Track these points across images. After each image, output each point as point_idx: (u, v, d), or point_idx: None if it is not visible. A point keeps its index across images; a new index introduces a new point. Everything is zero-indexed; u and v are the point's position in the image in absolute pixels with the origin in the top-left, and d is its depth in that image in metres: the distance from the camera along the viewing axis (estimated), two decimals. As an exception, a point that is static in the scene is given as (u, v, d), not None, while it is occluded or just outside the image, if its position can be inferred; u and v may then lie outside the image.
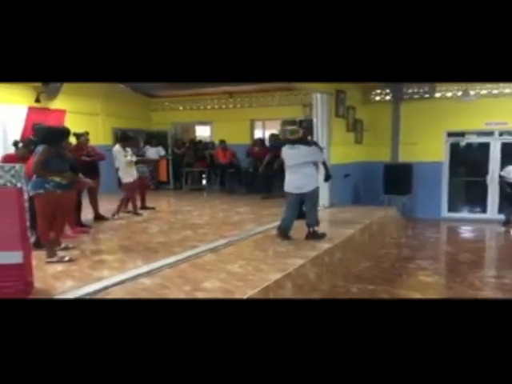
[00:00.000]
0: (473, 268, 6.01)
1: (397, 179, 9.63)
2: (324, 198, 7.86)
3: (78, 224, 6.09)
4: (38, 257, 4.23)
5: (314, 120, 8.34)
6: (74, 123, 8.15)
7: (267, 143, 10.41)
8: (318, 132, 8.23)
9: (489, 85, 9.15)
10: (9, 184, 3.38)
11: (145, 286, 3.80)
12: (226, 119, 11.67)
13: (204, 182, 12.16)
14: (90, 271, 4.20)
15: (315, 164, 5.61)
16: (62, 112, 9.38)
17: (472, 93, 9.27)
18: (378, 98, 10.41)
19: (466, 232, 9.03)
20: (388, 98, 10.27)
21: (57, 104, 9.42)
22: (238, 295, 3.52)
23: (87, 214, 6.70)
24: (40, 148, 4.46)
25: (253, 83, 9.20)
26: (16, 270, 3.41)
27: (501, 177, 9.00)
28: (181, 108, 12.38)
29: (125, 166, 7.12)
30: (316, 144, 6.64)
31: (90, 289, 3.63)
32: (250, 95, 11.34)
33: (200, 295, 3.54)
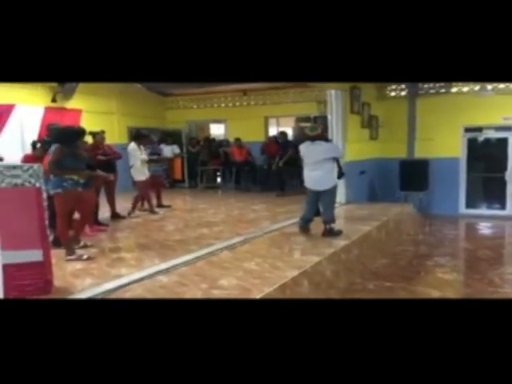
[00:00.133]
0: (492, 265, 5.90)
1: (413, 175, 9.51)
2: (341, 195, 7.80)
3: (95, 222, 6.15)
4: (56, 255, 4.28)
5: (329, 117, 8.27)
6: (89, 122, 8.27)
7: (279, 140, 10.39)
8: (333, 129, 8.14)
9: (507, 79, 8.97)
10: (27, 183, 3.42)
11: (163, 283, 3.82)
12: (240, 117, 11.65)
13: (219, 179, 12.17)
14: (108, 269, 4.25)
15: (335, 160, 5.59)
16: (78, 111, 9.46)
17: (489, 87, 9.10)
18: (393, 94, 10.28)
19: (484, 228, 8.86)
20: (403, 93, 10.14)
21: (73, 103, 9.51)
22: (256, 292, 3.52)
23: (104, 212, 6.77)
24: (53, 148, 4.52)
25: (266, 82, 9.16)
26: (36, 268, 3.46)
27: (520, 172, 8.85)
28: (195, 106, 12.40)
29: (140, 164, 7.17)
30: (330, 141, 6.60)
31: (109, 286, 3.67)
32: (263, 92, 11.29)
33: (217, 293, 3.55)
